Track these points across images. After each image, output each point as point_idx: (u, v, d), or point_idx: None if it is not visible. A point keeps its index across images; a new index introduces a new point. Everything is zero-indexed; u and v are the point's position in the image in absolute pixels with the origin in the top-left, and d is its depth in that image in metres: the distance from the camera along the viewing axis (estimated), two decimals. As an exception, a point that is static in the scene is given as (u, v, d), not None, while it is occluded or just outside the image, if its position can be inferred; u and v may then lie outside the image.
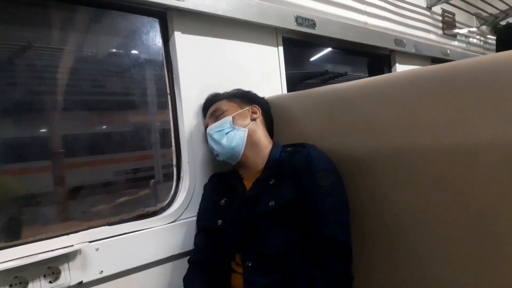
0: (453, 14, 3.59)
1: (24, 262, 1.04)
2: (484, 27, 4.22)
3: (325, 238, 1.10)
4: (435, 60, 3.08)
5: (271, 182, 1.22)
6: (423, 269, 1.05)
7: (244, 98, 1.42)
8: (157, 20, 1.47)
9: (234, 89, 1.48)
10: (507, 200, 0.87)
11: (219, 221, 1.28)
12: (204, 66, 1.53)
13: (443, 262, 1.01)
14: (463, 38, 3.81)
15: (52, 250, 1.11)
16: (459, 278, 0.98)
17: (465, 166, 0.94)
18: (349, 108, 1.24)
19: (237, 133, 1.31)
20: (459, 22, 3.70)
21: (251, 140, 1.33)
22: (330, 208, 1.13)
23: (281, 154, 1.29)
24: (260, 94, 1.50)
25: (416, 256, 1.06)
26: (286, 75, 1.88)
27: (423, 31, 3.13)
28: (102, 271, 1.21)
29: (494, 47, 2.53)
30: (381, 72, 2.60)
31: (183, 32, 1.47)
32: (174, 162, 1.49)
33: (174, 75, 1.46)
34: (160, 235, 1.36)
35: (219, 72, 1.58)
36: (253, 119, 1.37)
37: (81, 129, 1.52)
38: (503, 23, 4.29)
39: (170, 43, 1.46)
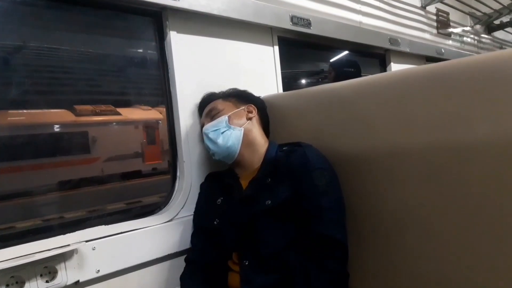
0: (447, 14, 3.61)
1: (20, 261, 1.04)
2: (478, 26, 4.25)
3: (321, 237, 1.10)
4: (429, 59, 3.10)
5: (267, 181, 1.22)
6: (419, 266, 1.05)
7: (239, 97, 1.42)
8: (152, 19, 1.47)
9: (230, 89, 1.48)
10: (502, 197, 0.88)
11: (216, 220, 1.28)
12: (200, 66, 1.53)
13: (438, 259, 1.01)
14: (457, 37, 3.83)
15: (49, 250, 1.11)
16: (455, 274, 0.99)
17: (460, 164, 0.95)
18: (344, 107, 1.24)
19: (233, 133, 1.31)
20: (453, 22, 3.72)
21: (247, 139, 1.33)
22: (326, 206, 1.13)
23: (277, 153, 1.29)
24: (256, 93, 1.51)
25: (412, 254, 1.07)
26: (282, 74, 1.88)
27: (417, 30, 3.15)
28: (98, 270, 1.21)
29: (488, 46, 2.54)
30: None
31: (178, 32, 1.47)
32: (170, 161, 1.50)
33: (169, 75, 1.46)
34: (157, 234, 1.36)
35: (215, 71, 1.58)
36: (249, 119, 1.37)
37: None
38: (497, 22, 4.33)
39: (166, 42, 1.46)
